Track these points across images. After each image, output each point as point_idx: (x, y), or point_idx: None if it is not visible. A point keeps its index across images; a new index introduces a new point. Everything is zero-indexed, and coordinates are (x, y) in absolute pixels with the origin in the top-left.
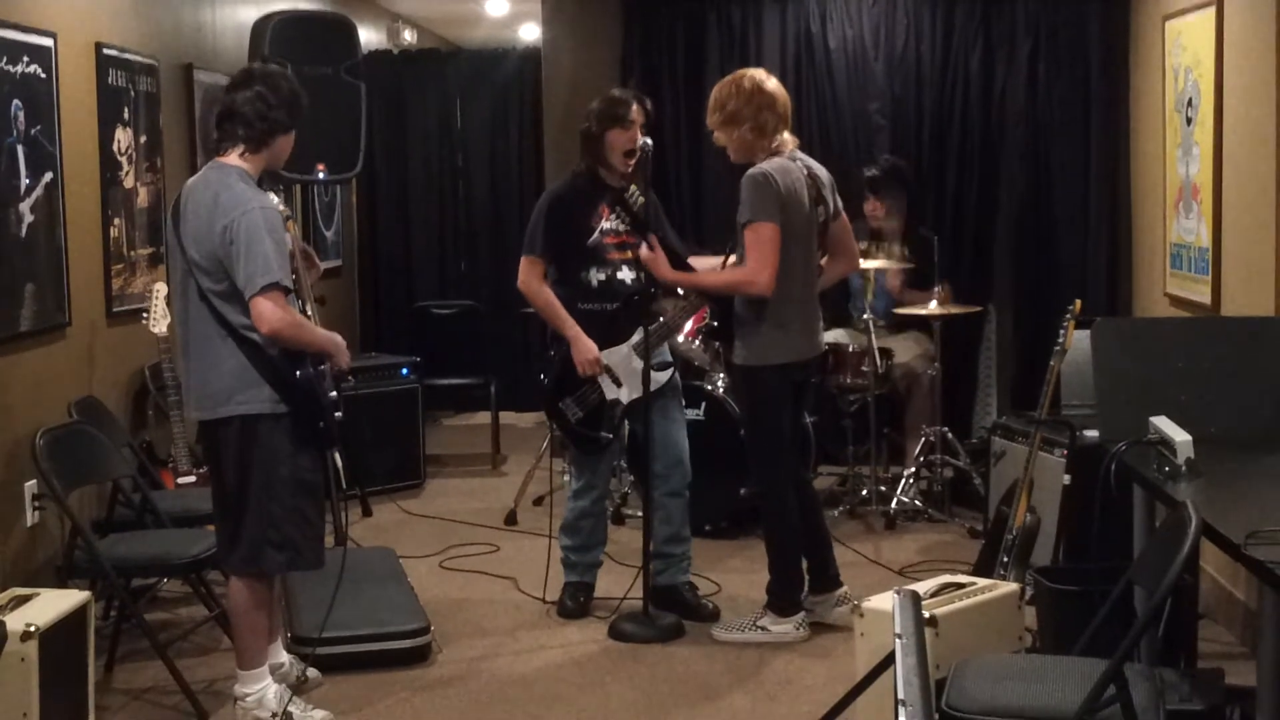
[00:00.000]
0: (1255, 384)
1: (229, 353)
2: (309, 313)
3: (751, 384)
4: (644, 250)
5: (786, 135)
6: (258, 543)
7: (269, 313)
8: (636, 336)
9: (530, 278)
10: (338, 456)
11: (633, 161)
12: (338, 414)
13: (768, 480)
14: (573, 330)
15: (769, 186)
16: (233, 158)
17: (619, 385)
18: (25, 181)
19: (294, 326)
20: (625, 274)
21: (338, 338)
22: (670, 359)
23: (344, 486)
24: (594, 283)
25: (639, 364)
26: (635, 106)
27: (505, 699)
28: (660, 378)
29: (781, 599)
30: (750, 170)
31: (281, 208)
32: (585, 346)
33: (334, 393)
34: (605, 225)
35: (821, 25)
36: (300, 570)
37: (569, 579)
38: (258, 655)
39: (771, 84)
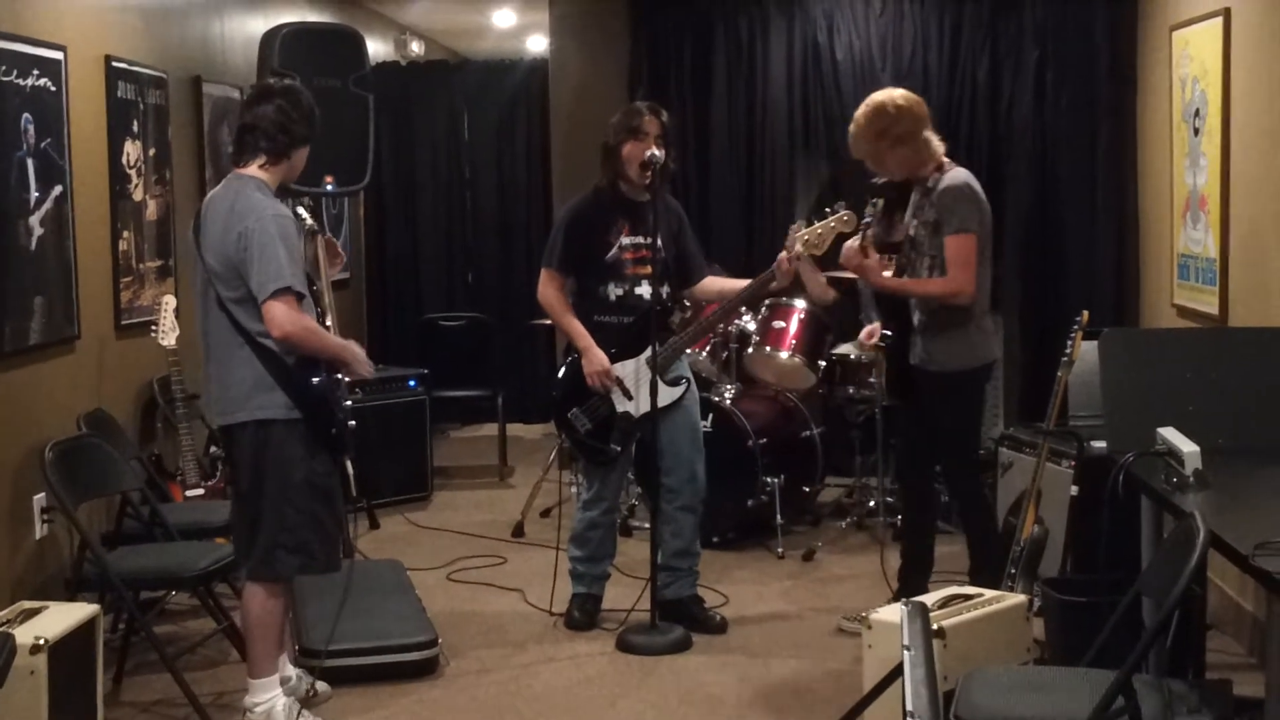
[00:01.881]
0: (1263, 395)
1: (245, 359)
2: (328, 324)
3: (958, 387)
4: (860, 257)
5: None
6: (271, 546)
7: (281, 316)
8: (650, 350)
9: (547, 289)
10: (349, 465)
11: (649, 174)
12: (350, 424)
13: (972, 479)
14: (584, 341)
15: (975, 198)
16: (252, 169)
17: (630, 398)
18: (35, 195)
19: (307, 331)
20: (644, 289)
21: (355, 346)
22: (687, 374)
23: (354, 494)
24: (612, 297)
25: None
26: (649, 117)
27: (513, 711)
28: (674, 392)
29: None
30: (957, 180)
31: (308, 221)
32: (596, 358)
33: (348, 402)
34: (624, 241)
35: (828, 36)
36: (313, 574)
37: (576, 590)
38: (269, 663)
39: (911, 95)
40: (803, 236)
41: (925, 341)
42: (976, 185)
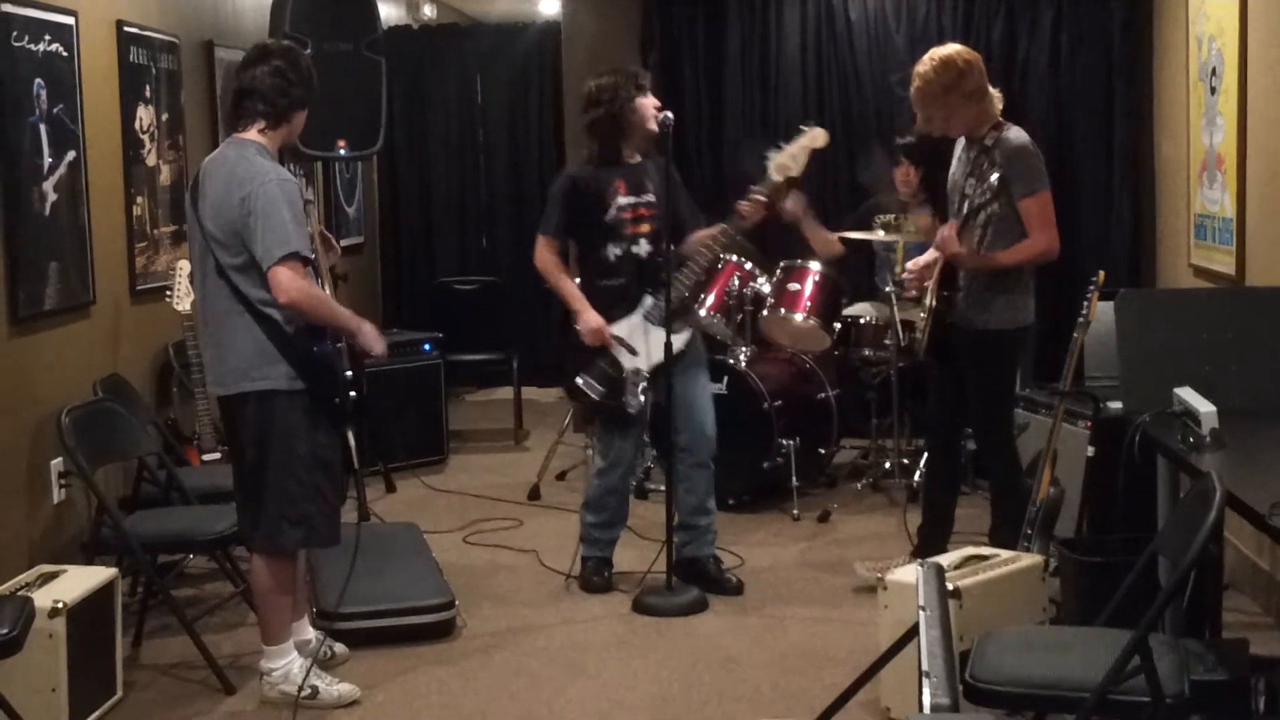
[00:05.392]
0: None
1: (246, 328)
2: (329, 293)
3: (1004, 347)
4: (956, 244)
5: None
6: (275, 519)
7: (288, 282)
8: (647, 303)
9: (544, 255)
10: (352, 435)
11: (665, 130)
12: (353, 393)
13: (1005, 441)
14: (578, 304)
15: (1038, 155)
16: (252, 133)
17: (635, 354)
18: (48, 160)
19: (313, 298)
20: (642, 247)
21: (368, 325)
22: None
23: (356, 466)
24: (612, 257)
25: (652, 331)
26: (644, 71)
27: (529, 672)
28: (681, 338)
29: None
30: (1020, 140)
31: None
32: (589, 318)
33: (350, 372)
34: (621, 201)
35: None
36: (315, 546)
37: (590, 554)
38: (282, 631)
39: (972, 50)
40: (776, 162)
41: (969, 300)
42: (1033, 143)
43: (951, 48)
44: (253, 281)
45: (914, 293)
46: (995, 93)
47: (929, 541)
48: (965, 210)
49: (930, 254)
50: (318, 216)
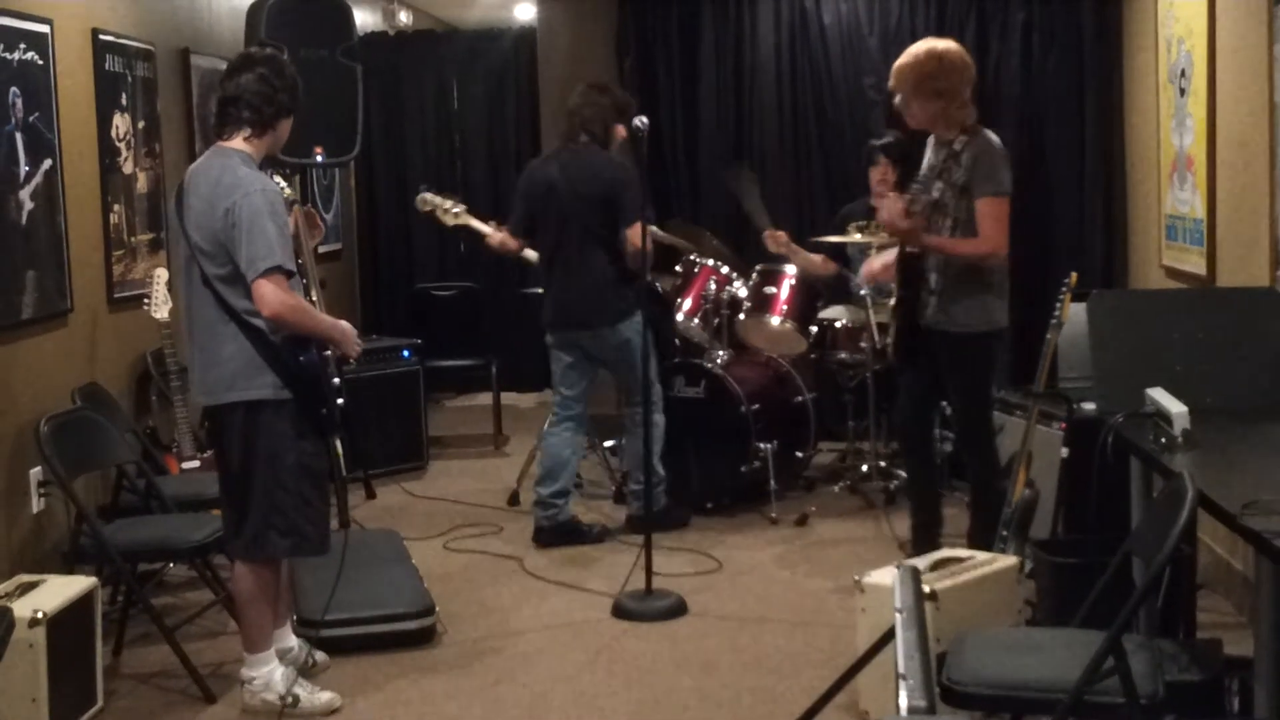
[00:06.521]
0: (1251, 354)
1: (232, 338)
2: (314, 298)
3: (980, 349)
4: (906, 220)
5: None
6: (262, 528)
7: (270, 295)
8: None
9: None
10: (339, 443)
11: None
12: (340, 400)
13: (986, 442)
14: None
15: (1007, 160)
16: (236, 142)
17: None
18: (25, 169)
19: (296, 310)
20: None
21: (346, 325)
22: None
23: (344, 474)
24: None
25: None
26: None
27: (510, 678)
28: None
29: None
30: (989, 143)
31: (287, 191)
32: None
33: (336, 379)
34: None
35: (816, 1)
36: (305, 556)
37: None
38: (263, 639)
39: (963, 54)
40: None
41: (944, 303)
42: (1004, 149)
43: (947, 43)
44: (238, 292)
45: (880, 279)
46: (969, 100)
47: (922, 541)
48: (935, 213)
49: (889, 253)
50: (297, 208)
